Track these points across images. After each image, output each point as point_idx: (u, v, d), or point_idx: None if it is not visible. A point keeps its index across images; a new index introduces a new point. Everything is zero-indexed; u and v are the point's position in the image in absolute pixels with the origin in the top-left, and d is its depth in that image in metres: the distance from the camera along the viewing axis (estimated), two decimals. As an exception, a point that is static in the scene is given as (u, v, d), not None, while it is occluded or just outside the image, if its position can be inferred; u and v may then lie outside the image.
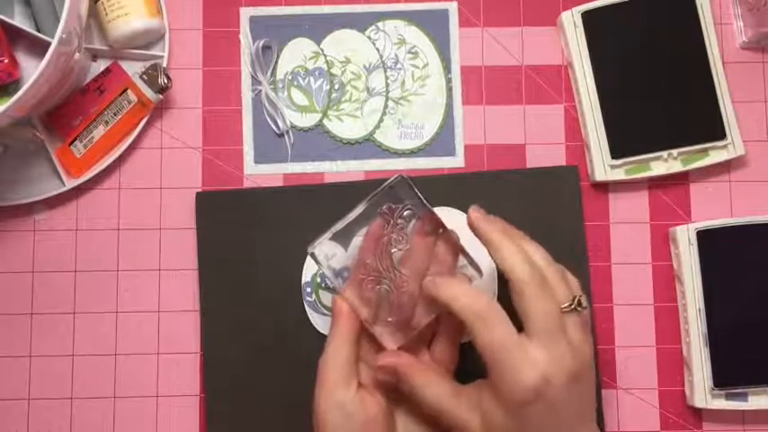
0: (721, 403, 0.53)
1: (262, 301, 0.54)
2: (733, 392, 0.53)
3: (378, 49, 0.57)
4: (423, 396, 0.44)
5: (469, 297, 0.42)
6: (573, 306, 0.42)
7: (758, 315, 0.53)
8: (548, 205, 0.55)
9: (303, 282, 0.54)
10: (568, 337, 0.41)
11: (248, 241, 0.54)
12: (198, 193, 0.55)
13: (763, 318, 0.53)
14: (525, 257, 0.42)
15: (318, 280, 0.54)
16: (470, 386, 0.44)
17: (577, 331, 0.42)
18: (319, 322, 0.54)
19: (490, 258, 0.43)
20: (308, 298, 0.54)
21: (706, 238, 0.53)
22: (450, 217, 0.50)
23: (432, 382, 0.44)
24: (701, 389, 0.53)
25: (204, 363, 0.53)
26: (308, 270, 0.54)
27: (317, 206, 0.54)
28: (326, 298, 0.54)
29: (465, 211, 0.45)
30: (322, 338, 0.52)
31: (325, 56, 0.57)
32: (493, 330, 0.41)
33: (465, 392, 0.44)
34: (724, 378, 0.52)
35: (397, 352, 0.45)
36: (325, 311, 0.54)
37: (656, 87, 0.55)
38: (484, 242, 0.43)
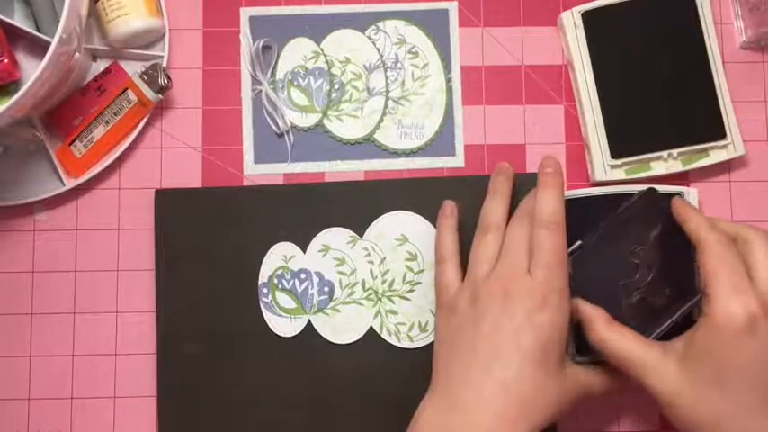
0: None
1: (218, 301, 0.53)
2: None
3: (378, 49, 0.57)
4: (612, 344, 0.46)
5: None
6: None
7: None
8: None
9: (260, 282, 0.54)
10: None
11: (206, 241, 0.54)
12: (157, 191, 0.54)
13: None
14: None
15: (275, 281, 0.54)
16: (660, 342, 0.47)
17: None
18: (275, 323, 0.54)
19: None
20: (264, 299, 0.54)
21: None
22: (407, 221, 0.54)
23: (621, 334, 0.46)
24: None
25: (158, 363, 0.53)
26: (265, 271, 0.54)
27: (277, 206, 0.54)
28: (282, 299, 0.54)
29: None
30: (277, 339, 0.53)
31: (326, 56, 0.57)
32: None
33: (655, 341, 0.47)
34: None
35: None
36: (281, 312, 0.54)
37: (656, 87, 0.55)
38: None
